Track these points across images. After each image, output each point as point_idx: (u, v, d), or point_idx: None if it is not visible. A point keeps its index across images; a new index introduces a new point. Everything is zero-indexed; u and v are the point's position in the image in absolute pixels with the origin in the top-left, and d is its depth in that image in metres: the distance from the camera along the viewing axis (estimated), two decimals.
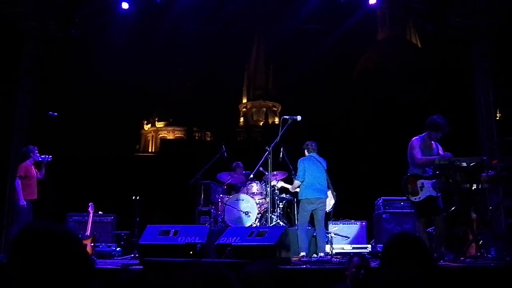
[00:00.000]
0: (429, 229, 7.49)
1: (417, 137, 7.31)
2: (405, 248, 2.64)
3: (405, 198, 9.88)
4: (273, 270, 3.00)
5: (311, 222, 8.85)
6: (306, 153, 8.90)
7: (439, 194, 7.02)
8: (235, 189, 10.83)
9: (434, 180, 7.00)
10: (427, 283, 1.79)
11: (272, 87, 64.90)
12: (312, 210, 8.59)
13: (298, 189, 8.95)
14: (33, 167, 9.21)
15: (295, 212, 10.03)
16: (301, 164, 8.73)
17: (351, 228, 10.11)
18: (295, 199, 9.98)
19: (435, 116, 7.23)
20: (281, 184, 9.76)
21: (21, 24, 11.81)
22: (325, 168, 8.79)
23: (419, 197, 7.05)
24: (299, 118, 8.85)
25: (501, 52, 13.12)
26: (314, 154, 8.82)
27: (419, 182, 7.05)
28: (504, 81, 14.01)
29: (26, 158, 9.19)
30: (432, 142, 7.26)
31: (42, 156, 9.19)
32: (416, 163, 7.10)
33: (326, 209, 8.90)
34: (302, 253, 8.12)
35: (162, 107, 58.64)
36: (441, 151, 7.28)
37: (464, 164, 6.95)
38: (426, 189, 7.02)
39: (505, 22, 12.13)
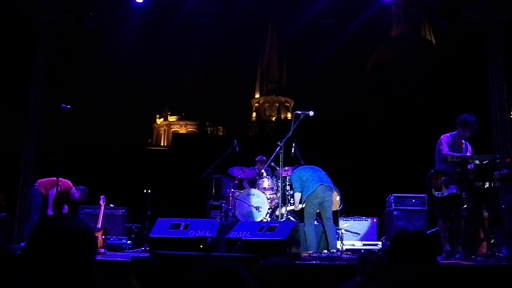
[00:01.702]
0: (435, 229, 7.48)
1: (447, 134, 7.29)
2: (407, 246, 2.66)
3: (416, 195, 9.89)
4: (289, 265, 3.01)
5: (320, 218, 8.81)
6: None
7: (463, 194, 6.99)
8: (251, 183, 10.80)
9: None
10: (435, 280, 1.79)
11: (285, 82, 64.79)
12: (319, 206, 8.52)
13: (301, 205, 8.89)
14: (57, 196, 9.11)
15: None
16: (295, 175, 8.82)
17: (362, 225, 10.09)
18: None
19: (466, 114, 7.19)
20: (288, 208, 9.46)
21: (35, 17, 11.87)
22: (319, 169, 8.88)
23: (442, 193, 7.06)
24: (311, 113, 8.79)
25: None
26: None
27: (444, 178, 7.05)
28: None
29: (69, 194, 9.19)
30: (462, 141, 7.22)
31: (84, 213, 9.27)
32: (441, 158, 7.08)
33: (333, 208, 8.84)
34: (310, 251, 8.04)
35: (174, 101, 58.77)
36: (469, 152, 7.25)
37: (477, 162, 6.91)
38: (451, 186, 7.00)
39: None
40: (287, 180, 9.85)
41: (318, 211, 8.65)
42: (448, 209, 7.12)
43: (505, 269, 5.90)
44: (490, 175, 7.16)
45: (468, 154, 7.19)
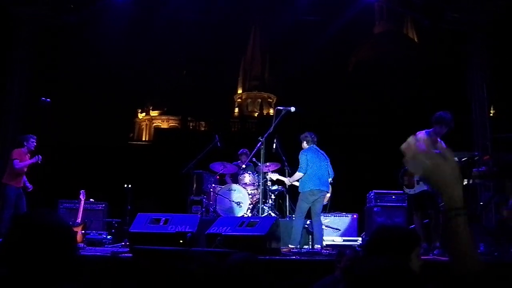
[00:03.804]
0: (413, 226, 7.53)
1: (422, 131, 7.35)
2: (387, 240, 2.66)
3: (396, 192, 9.96)
4: (251, 260, 3.01)
5: (309, 213, 8.73)
6: (305, 144, 8.56)
7: (434, 191, 7.05)
8: (233, 178, 10.79)
9: None
10: (408, 273, 1.79)
11: (268, 78, 64.82)
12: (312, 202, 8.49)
13: (296, 182, 8.77)
14: (27, 156, 9.18)
15: (287, 204, 10.04)
16: (304, 155, 8.37)
17: (342, 221, 10.12)
18: (286, 190, 9.98)
19: (441, 111, 7.25)
20: (276, 176, 9.49)
21: (15, 9, 11.70)
22: (328, 160, 8.59)
23: (414, 190, 7.14)
24: (293, 109, 8.81)
25: (496, 48, 13.13)
26: (315, 146, 8.57)
27: (416, 176, 7.11)
28: (499, 77, 14.03)
29: (21, 145, 9.16)
30: (438, 139, 7.29)
31: (34, 158, 9.14)
32: None
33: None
34: (291, 246, 8.00)
35: (156, 96, 58.48)
36: None
37: (456, 159, 6.97)
38: (422, 183, 7.07)
39: (501, 18, 12.14)
40: (268, 175, 9.88)
41: None
42: (421, 205, 7.20)
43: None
44: (469, 172, 7.25)
45: None
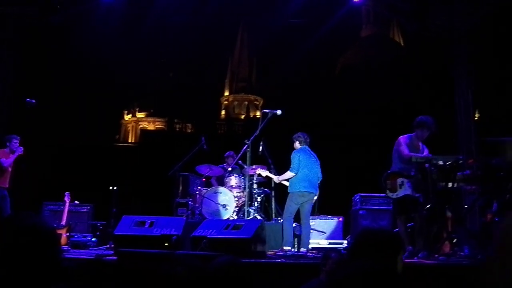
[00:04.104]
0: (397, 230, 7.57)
1: (405, 135, 7.40)
2: (371, 243, 2.66)
3: (382, 195, 10.00)
4: (235, 264, 3.01)
5: (295, 216, 8.69)
6: (297, 145, 8.51)
7: (417, 195, 7.11)
8: (220, 180, 10.77)
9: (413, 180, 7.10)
10: (391, 277, 1.80)
11: (255, 81, 64.86)
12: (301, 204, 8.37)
13: (285, 182, 8.70)
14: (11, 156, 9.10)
15: (273, 206, 10.04)
16: (297, 156, 8.31)
17: (328, 224, 10.15)
18: (273, 193, 9.98)
19: (422, 116, 7.30)
20: (265, 173, 9.38)
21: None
22: (318, 162, 8.56)
23: (397, 194, 7.16)
24: (279, 112, 8.81)
25: (481, 53, 13.25)
26: (307, 147, 8.53)
27: (399, 180, 7.16)
28: (484, 82, 14.17)
29: (4, 146, 9.07)
30: (420, 143, 7.34)
31: (18, 150, 9.05)
32: (404, 159, 7.16)
33: None
34: (287, 247, 7.91)
35: (143, 97, 58.25)
36: (426, 153, 7.37)
37: (441, 163, 7.04)
38: (405, 187, 7.11)
39: (485, 25, 12.26)
40: (254, 178, 9.88)
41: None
42: (405, 209, 7.24)
43: (466, 268, 6.03)
44: (453, 175, 7.29)
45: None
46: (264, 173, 9.39)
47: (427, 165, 6.98)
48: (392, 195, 7.21)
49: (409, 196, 7.10)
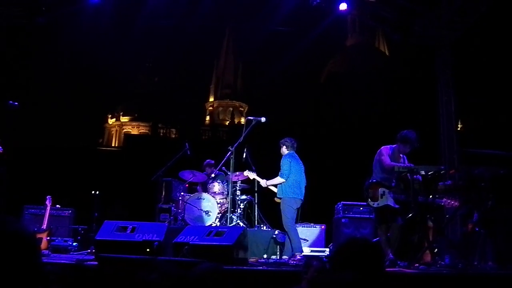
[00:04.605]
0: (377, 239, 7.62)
1: (387, 146, 7.44)
2: (354, 253, 2.67)
3: (364, 203, 10.05)
4: (216, 270, 3.01)
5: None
6: (285, 150, 8.42)
7: (397, 206, 7.17)
8: (203, 186, 10.72)
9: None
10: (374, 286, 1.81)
11: (240, 87, 64.93)
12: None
13: (273, 187, 8.62)
14: None
15: (255, 213, 10.03)
16: (287, 161, 8.20)
17: (311, 231, 10.16)
18: (256, 200, 9.98)
19: (406, 130, 7.35)
20: (253, 176, 9.24)
21: None
22: (303, 168, 8.51)
23: (378, 204, 7.21)
24: (263, 119, 8.80)
25: (464, 63, 13.41)
26: (295, 153, 8.44)
27: (380, 190, 7.23)
28: (467, 93, 14.31)
29: None
30: (401, 155, 7.39)
31: None
32: (385, 168, 7.20)
33: None
34: (298, 254, 7.82)
35: (127, 101, 58.04)
36: (407, 163, 7.44)
37: (423, 173, 7.11)
38: (386, 197, 7.18)
39: (469, 35, 12.40)
40: (237, 185, 9.87)
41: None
42: (386, 219, 7.30)
43: (445, 277, 6.08)
44: (435, 185, 7.36)
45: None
46: (252, 175, 9.28)
47: (409, 175, 7.04)
48: (373, 204, 7.28)
49: (389, 206, 7.17)
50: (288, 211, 8.12)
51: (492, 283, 5.82)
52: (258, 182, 9.26)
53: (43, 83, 24.97)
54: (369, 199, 7.31)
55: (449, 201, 8.45)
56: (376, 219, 7.56)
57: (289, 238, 8.14)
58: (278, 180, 8.27)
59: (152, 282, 2.21)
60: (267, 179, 8.69)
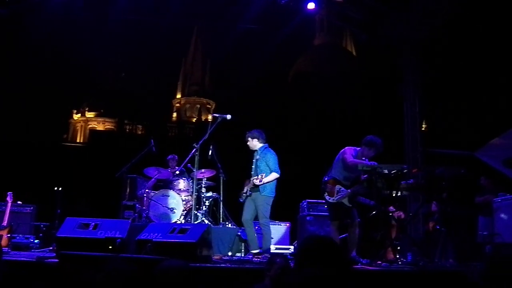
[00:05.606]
0: (344, 235, 7.67)
1: (352, 147, 7.48)
2: (318, 250, 2.68)
3: None
4: (183, 268, 2.99)
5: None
6: (256, 142, 7.88)
7: (350, 205, 7.26)
8: (165, 184, 10.64)
9: (349, 190, 7.23)
10: (341, 282, 1.83)
11: (208, 84, 64.75)
12: None
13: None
14: None
15: (221, 211, 10.01)
16: (274, 156, 7.74)
17: (276, 229, 10.15)
18: (221, 197, 9.96)
19: (372, 135, 7.39)
20: (258, 182, 7.70)
21: None
22: None
23: (333, 199, 7.29)
24: (229, 117, 8.73)
25: (430, 64, 13.60)
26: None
27: (337, 187, 7.30)
28: (431, 94, 14.54)
29: None
30: (363, 158, 7.43)
31: None
32: (348, 166, 7.23)
33: None
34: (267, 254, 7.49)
35: (93, 97, 57.24)
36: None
37: (386, 171, 7.20)
38: (341, 195, 7.25)
39: (434, 37, 12.59)
40: (202, 182, 9.83)
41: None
42: (339, 215, 7.37)
43: (407, 274, 6.17)
44: (397, 184, 7.47)
45: None
46: (256, 181, 7.73)
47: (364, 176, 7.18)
48: (329, 199, 7.35)
49: (343, 204, 7.24)
50: (266, 209, 7.76)
51: (452, 280, 5.93)
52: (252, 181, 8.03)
53: (5, 77, 24.41)
54: (326, 193, 7.38)
55: (396, 211, 8.70)
56: (330, 215, 7.57)
57: (249, 235, 7.87)
58: (274, 175, 7.69)
59: (98, 282, 2.17)
60: (249, 177, 7.93)
